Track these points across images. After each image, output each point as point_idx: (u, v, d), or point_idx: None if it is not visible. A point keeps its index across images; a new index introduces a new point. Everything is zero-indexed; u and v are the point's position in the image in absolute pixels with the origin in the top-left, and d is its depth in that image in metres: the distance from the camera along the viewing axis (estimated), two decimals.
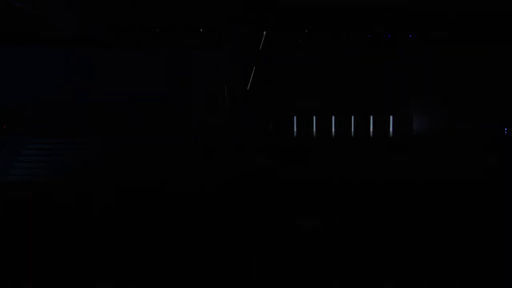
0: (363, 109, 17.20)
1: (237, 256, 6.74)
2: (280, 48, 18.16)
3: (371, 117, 17.17)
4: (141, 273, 6.11)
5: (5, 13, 15.01)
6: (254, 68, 17.48)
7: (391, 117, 17.14)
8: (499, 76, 17.58)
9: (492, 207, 9.43)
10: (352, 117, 17.19)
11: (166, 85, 17.92)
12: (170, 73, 18.08)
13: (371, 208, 9.41)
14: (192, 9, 16.46)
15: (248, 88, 17.44)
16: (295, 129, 17.19)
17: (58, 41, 17.34)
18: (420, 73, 18.16)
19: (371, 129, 17.14)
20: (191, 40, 18.19)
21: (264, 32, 17.69)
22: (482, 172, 12.24)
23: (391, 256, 6.73)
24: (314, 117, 17.26)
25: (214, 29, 18.21)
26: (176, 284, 5.87)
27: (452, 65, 17.79)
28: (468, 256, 6.68)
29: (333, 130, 17.14)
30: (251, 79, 17.45)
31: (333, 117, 17.23)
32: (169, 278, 6.01)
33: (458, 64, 17.68)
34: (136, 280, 5.92)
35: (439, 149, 13.70)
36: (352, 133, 16.74)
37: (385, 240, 7.42)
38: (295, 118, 17.25)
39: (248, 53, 17.59)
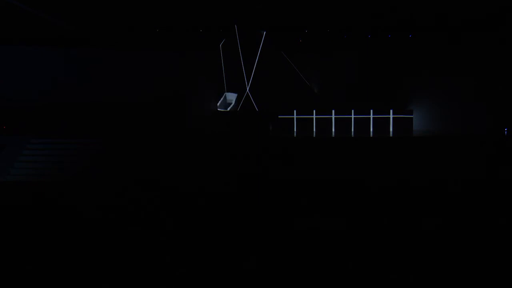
0: (363, 107, 17.22)
1: (237, 255, 6.75)
2: (280, 48, 18.21)
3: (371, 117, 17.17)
4: (140, 274, 6.11)
5: (5, 13, 15.03)
6: (254, 68, 17.48)
7: (391, 116, 17.13)
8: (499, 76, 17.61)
9: (492, 207, 9.44)
10: (352, 116, 17.18)
11: (166, 85, 17.92)
12: (169, 73, 18.08)
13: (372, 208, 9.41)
14: (193, 9, 16.47)
15: (248, 88, 17.44)
16: (295, 129, 17.19)
17: (58, 41, 17.35)
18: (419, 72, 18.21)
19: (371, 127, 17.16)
20: (191, 40, 18.20)
21: (264, 32, 17.70)
22: (481, 172, 12.26)
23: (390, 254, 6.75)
24: (314, 117, 17.26)
25: (214, 29, 18.23)
26: (177, 281, 5.87)
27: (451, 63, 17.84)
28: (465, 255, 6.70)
29: (333, 128, 17.15)
30: (251, 79, 17.45)
31: (333, 116, 17.23)
32: (169, 277, 6.01)
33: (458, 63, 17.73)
34: (136, 280, 5.93)
35: (438, 149, 13.69)
36: (352, 132, 16.75)
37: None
38: (295, 117, 17.24)
39: (248, 53, 17.60)
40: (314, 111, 17.28)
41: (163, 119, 17.60)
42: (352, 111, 17.18)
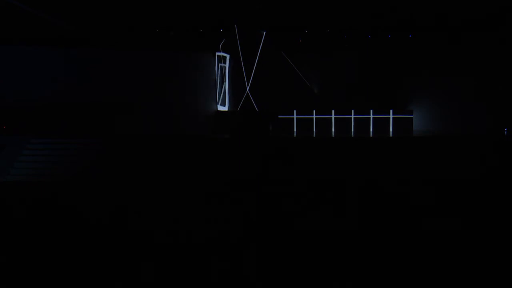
0: (363, 107, 17.23)
1: (237, 254, 6.75)
2: (280, 48, 18.21)
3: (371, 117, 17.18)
4: (140, 274, 6.12)
5: (5, 13, 15.02)
6: (254, 68, 17.48)
7: (391, 116, 17.14)
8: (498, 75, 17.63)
9: (492, 207, 9.44)
10: (352, 116, 17.19)
11: (165, 85, 17.92)
12: (169, 74, 18.08)
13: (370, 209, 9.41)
14: (192, 9, 16.47)
15: (248, 88, 17.44)
16: (295, 129, 17.20)
17: (58, 41, 17.34)
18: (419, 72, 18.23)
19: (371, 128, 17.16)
20: (191, 40, 18.20)
21: (264, 32, 17.70)
22: (481, 172, 12.26)
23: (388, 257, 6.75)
24: (314, 117, 17.27)
25: (214, 29, 18.22)
26: (181, 277, 5.88)
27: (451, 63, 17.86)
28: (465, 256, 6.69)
29: (333, 128, 17.16)
30: (251, 79, 17.45)
31: (333, 116, 17.24)
32: (172, 276, 6.02)
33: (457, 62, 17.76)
34: (136, 280, 5.93)
35: (438, 149, 13.69)
36: (352, 132, 16.75)
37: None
38: (295, 117, 17.25)
39: (248, 53, 17.60)
40: (314, 111, 17.30)
41: (164, 118, 17.60)
42: (352, 111, 17.19)
